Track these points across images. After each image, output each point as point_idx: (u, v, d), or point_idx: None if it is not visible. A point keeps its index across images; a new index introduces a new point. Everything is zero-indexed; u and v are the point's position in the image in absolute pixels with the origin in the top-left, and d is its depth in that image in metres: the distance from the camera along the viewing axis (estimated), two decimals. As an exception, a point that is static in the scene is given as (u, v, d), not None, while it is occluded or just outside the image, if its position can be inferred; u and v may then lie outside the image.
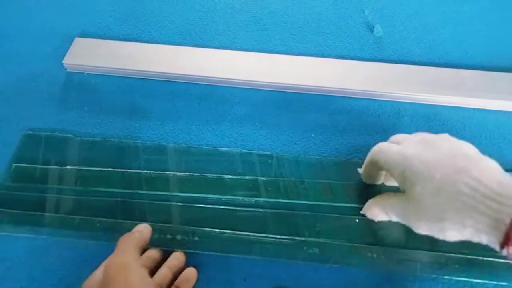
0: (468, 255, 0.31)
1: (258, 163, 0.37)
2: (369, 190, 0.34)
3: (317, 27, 0.47)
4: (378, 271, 0.32)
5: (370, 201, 0.33)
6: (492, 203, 0.23)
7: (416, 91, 0.40)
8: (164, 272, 0.31)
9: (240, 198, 0.35)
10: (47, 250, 0.34)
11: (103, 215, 0.34)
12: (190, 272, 0.31)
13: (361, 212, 0.33)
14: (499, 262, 0.31)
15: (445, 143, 0.28)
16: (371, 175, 0.34)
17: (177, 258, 0.32)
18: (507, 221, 0.22)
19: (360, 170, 0.34)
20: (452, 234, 0.25)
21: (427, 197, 0.26)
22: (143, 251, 0.32)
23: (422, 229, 0.27)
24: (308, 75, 0.41)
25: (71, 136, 0.39)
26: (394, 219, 0.30)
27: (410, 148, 0.28)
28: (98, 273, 0.28)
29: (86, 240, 0.34)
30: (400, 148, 0.29)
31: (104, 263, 0.28)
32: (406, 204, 0.28)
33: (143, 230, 0.31)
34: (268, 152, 0.38)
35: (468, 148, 0.27)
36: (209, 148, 0.38)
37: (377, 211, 0.31)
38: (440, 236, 0.26)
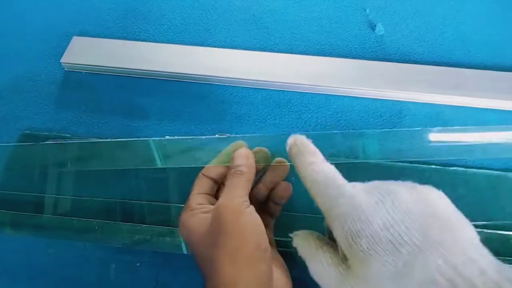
0: None
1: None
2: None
3: (318, 25, 0.46)
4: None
5: (298, 234, 0.26)
6: None
7: (418, 90, 0.39)
8: (260, 187, 0.30)
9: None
10: (45, 251, 0.34)
11: (101, 217, 0.34)
12: (285, 187, 0.30)
13: (291, 237, 0.26)
14: None
15: (415, 201, 0.20)
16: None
17: (274, 174, 0.30)
18: None
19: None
20: None
21: (386, 283, 0.19)
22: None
23: None
24: (309, 74, 0.41)
25: (69, 135, 0.39)
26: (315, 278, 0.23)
27: (368, 198, 0.20)
28: (198, 215, 0.26)
29: (84, 242, 0.34)
30: (353, 194, 0.21)
31: (216, 206, 0.26)
32: (345, 279, 0.20)
33: (250, 167, 0.27)
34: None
35: (440, 206, 0.20)
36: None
37: (304, 251, 0.25)
38: None
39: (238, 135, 0.30)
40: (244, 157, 0.28)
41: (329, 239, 0.24)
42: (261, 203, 0.31)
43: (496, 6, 0.47)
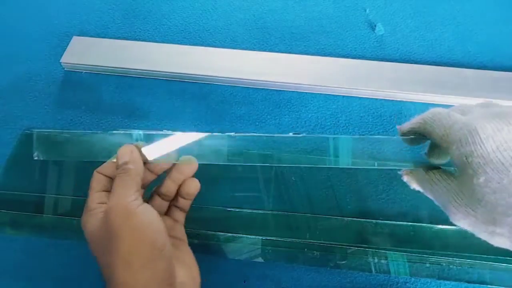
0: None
1: (258, 162, 0.36)
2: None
3: (318, 25, 0.46)
4: (379, 274, 0.32)
5: (409, 172, 0.28)
6: None
7: (418, 90, 0.39)
8: (167, 183, 0.29)
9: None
10: (45, 251, 0.34)
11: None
12: (192, 184, 0.30)
13: (399, 173, 0.28)
14: None
15: None
16: (413, 142, 0.28)
17: (180, 171, 0.30)
18: None
19: (400, 131, 0.28)
20: (502, 241, 0.21)
21: (490, 193, 0.21)
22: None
23: (464, 224, 0.23)
24: (309, 74, 0.41)
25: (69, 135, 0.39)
26: (430, 196, 0.25)
27: (485, 125, 0.22)
28: (97, 215, 0.26)
29: (84, 242, 0.34)
30: (469, 122, 0.23)
31: (105, 208, 0.26)
32: (457, 190, 0.23)
33: (135, 161, 0.27)
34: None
35: None
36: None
37: (413, 184, 0.27)
38: (483, 237, 0.22)
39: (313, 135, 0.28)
40: (127, 153, 0.27)
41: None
42: (171, 198, 0.30)
43: (496, 6, 0.47)
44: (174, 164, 0.30)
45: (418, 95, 0.40)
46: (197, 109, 0.41)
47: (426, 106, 0.40)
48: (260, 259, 0.32)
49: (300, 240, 0.32)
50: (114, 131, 0.30)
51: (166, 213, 0.31)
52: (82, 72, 0.44)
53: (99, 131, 0.30)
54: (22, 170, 0.37)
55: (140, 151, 0.28)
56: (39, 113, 0.41)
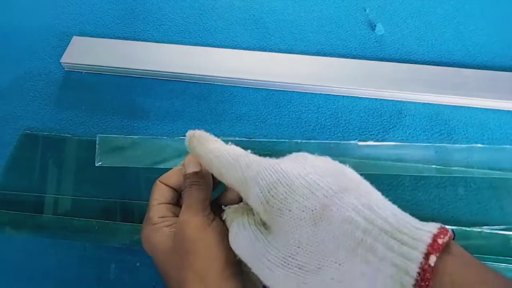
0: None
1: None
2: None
3: (318, 25, 0.46)
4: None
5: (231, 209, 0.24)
6: (394, 243, 0.17)
7: (418, 90, 0.39)
8: (233, 195, 0.27)
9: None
10: (45, 251, 0.34)
11: (101, 217, 0.34)
12: None
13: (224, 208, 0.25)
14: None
15: (324, 162, 0.21)
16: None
17: None
18: (414, 272, 0.16)
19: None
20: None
21: (305, 231, 0.18)
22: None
23: (279, 282, 0.19)
24: (309, 74, 0.41)
25: (69, 135, 0.39)
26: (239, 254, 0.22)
27: (280, 159, 0.21)
28: (162, 230, 0.24)
29: (84, 242, 0.34)
30: (261, 158, 0.21)
31: (174, 222, 0.24)
32: (264, 239, 0.20)
33: (204, 173, 0.25)
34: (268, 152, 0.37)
35: (350, 171, 0.21)
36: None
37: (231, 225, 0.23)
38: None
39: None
40: (196, 162, 0.26)
41: None
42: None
43: (496, 6, 0.47)
44: None
45: (418, 95, 0.40)
46: (197, 109, 0.41)
47: (426, 106, 0.40)
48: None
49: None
50: (181, 137, 0.29)
51: None
52: (82, 72, 0.44)
53: (164, 137, 0.30)
54: (22, 170, 0.37)
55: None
56: (39, 113, 0.41)
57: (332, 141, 0.29)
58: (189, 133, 0.25)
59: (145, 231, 0.25)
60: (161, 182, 0.27)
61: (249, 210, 0.22)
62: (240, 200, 0.27)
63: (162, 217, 0.25)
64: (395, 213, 0.19)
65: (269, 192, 0.19)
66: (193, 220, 0.23)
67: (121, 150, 0.32)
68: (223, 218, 0.24)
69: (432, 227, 0.17)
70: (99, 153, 0.31)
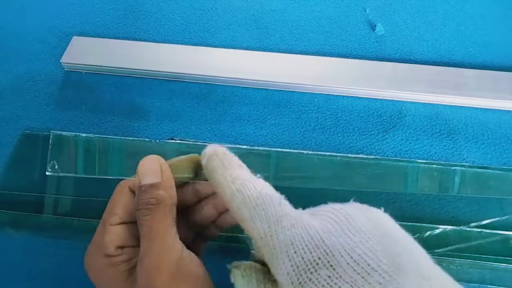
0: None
1: (259, 161, 0.36)
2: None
3: (317, 25, 0.46)
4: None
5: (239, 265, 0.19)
6: None
7: (418, 90, 0.39)
8: (208, 209, 0.23)
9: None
10: (45, 251, 0.34)
11: (101, 217, 0.34)
12: None
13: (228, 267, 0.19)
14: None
15: (366, 219, 0.17)
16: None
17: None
18: None
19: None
20: None
21: None
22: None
23: None
24: (309, 74, 0.41)
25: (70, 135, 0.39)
26: None
27: (318, 220, 0.16)
28: (117, 266, 0.20)
29: (84, 242, 0.33)
30: (297, 212, 0.17)
31: (140, 270, 0.19)
32: None
33: (168, 187, 0.19)
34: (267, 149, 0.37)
35: (393, 227, 0.17)
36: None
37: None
38: None
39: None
40: (155, 170, 0.19)
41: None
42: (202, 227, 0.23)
43: (496, 6, 0.47)
44: None
45: (418, 95, 0.40)
46: (197, 109, 0.41)
47: (426, 106, 0.40)
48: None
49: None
50: (167, 140, 0.23)
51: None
52: (82, 72, 0.44)
53: (146, 139, 0.23)
54: (22, 170, 0.37)
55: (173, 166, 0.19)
56: (39, 113, 0.41)
57: (339, 154, 0.27)
58: (210, 149, 0.19)
59: (96, 261, 0.19)
60: (129, 188, 0.20)
61: (265, 281, 0.17)
62: (218, 214, 0.22)
63: (121, 248, 0.20)
64: None
65: (305, 273, 0.15)
66: (161, 266, 0.17)
67: (86, 153, 0.24)
68: (231, 278, 0.18)
69: None
70: (52, 156, 0.23)
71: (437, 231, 0.32)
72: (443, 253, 0.31)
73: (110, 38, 0.45)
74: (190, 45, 0.44)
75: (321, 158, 0.27)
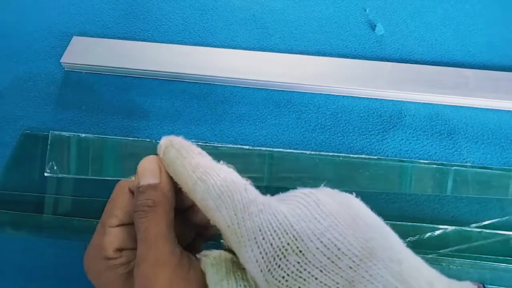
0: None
1: (259, 161, 0.36)
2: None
3: (317, 25, 0.46)
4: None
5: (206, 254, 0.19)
6: None
7: (418, 90, 0.39)
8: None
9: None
10: (45, 251, 0.34)
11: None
12: None
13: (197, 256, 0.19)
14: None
15: (335, 202, 0.16)
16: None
17: None
18: None
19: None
20: None
21: None
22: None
23: None
24: (309, 74, 0.41)
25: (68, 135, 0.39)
26: None
27: (286, 205, 0.16)
28: (115, 269, 0.19)
29: (84, 242, 0.33)
30: (264, 197, 0.17)
31: (138, 276, 0.18)
32: None
33: (166, 189, 0.18)
34: (268, 149, 0.37)
35: (365, 211, 0.17)
36: (209, 147, 0.38)
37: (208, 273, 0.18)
38: None
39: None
40: (154, 171, 0.18)
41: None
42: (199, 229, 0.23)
43: (496, 6, 0.47)
44: None
45: (418, 95, 0.40)
46: (197, 109, 0.41)
47: (426, 106, 0.40)
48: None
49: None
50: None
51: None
52: (82, 72, 0.44)
53: (147, 139, 0.22)
54: (22, 170, 0.37)
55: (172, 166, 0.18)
56: (39, 113, 0.41)
57: (341, 155, 0.27)
58: (165, 140, 0.19)
59: (95, 264, 0.19)
60: (129, 189, 0.20)
61: (235, 269, 0.17)
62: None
63: (120, 250, 0.19)
64: (431, 280, 0.15)
65: (274, 260, 0.15)
66: (160, 273, 0.17)
67: (85, 154, 0.23)
68: (200, 266, 0.17)
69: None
70: (51, 157, 0.22)
71: (438, 231, 0.32)
72: (444, 254, 0.31)
73: (110, 38, 0.45)
74: (190, 45, 0.44)
75: (323, 158, 0.27)
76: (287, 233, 0.15)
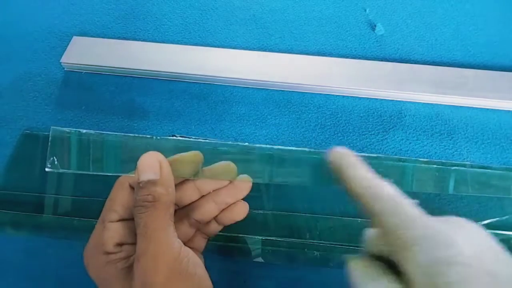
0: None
1: (259, 161, 0.36)
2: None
3: (317, 25, 0.46)
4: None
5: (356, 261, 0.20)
6: None
7: (418, 90, 0.39)
8: (208, 207, 0.22)
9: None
10: (45, 251, 0.34)
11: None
12: (242, 208, 0.23)
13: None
14: None
15: (478, 229, 0.18)
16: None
17: (233, 193, 0.23)
18: None
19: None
20: None
21: None
22: None
23: None
24: (309, 74, 0.41)
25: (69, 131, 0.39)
26: None
27: (443, 224, 0.17)
28: (115, 264, 0.19)
29: (84, 242, 0.33)
30: (423, 214, 0.18)
31: (137, 270, 0.18)
32: None
33: (166, 184, 0.19)
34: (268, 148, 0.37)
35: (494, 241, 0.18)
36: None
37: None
38: None
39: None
40: (154, 166, 0.18)
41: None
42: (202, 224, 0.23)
43: (496, 6, 0.47)
44: (227, 184, 0.23)
45: (418, 95, 0.40)
46: (197, 109, 0.41)
47: (426, 106, 0.40)
48: (260, 259, 0.32)
49: (300, 240, 0.32)
50: (168, 136, 0.23)
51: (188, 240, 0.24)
52: (82, 72, 0.44)
53: (148, 135, 0.23)
54: (22, 170, 0.37)
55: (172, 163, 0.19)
56: (39, 113, 0.41)
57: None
58: (336, 150, 0.21)
59: (95, 259, 0.19)
60: (129, 185, 0.20)
61: (384, 273, 0.18)
62: (219, 211, 0.22)
63: (119, 245, 0.19)
64: None
65: (438, 268, 0.15)
66: (160, 267, 0.17)
67: (86, 149, 0.24)
68: (349, 269, 0.18)
69: None
70: (52, 152, 0.23)
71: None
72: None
73: (110, 38, 0.45)
74: (190, 45, 0.44)
75: (322, 158, 0.28)
76: (452, 246, 0.16)
